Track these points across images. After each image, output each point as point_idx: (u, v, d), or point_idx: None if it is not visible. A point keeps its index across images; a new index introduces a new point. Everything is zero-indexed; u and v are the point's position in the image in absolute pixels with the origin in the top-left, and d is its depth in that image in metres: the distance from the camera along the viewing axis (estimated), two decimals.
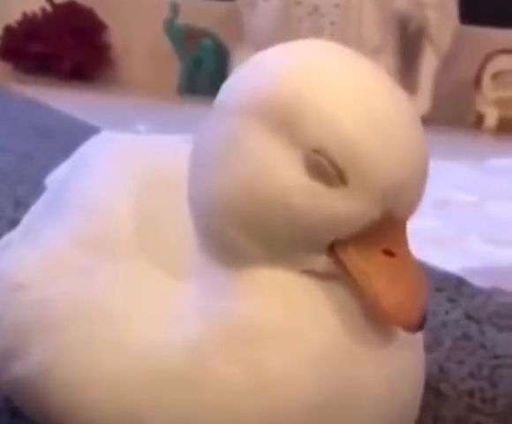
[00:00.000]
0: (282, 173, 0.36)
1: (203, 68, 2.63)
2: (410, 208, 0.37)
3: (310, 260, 0.37)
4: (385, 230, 0.36)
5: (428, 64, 2.52)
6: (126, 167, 0.45)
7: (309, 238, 0.36)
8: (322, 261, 0.37)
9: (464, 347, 0.65)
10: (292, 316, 0.37)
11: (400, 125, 0.36)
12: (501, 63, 2.56)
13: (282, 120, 0.36)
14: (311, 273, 0.37)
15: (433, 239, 1.10)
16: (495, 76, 2.57)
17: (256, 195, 0.36)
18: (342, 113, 0.35)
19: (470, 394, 0.57)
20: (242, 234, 0.37)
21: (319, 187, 0.35)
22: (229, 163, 0.36)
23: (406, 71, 2.56)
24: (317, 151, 0.35)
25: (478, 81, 2.60)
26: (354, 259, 0.36)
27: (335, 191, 0.35)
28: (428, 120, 2.52)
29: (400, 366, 0.38)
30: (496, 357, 0.64)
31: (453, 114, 2.56)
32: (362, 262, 0.36)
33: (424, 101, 2.55)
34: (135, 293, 0.40)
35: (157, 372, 0.38)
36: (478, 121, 2.59)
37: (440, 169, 1.70)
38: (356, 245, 0.36)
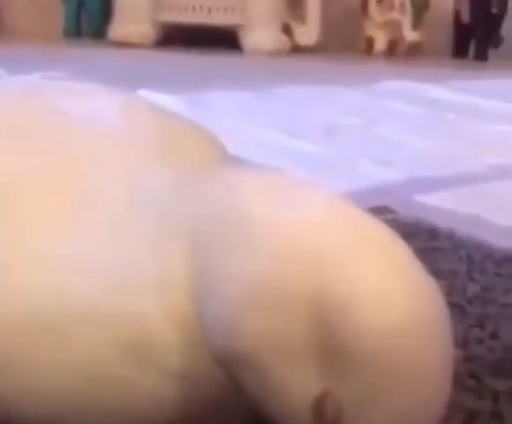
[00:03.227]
0: (290, 388, 0.33)
1: (87, 10, 2.57)
2: None
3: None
4: None
5: None
6: None
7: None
8: None
9: None
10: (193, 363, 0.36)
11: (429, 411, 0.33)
12: None
13: (328, 341, 0.32)
14: None
15: (323, 163, 1.11)
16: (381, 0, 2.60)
17: (260, 378, 0.34)
18: (381, 405, 0.32)
19: None
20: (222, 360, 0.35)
21: (311, 420, 0.33)
22: (262, 316, 0.33)
23: (293, 2, 2.56)
24: (334, 402, 0.32)
25: (364, 6, 2.63)
26: None
27: None
28: (319, 49, 2.54)
29: None
30: None
31: (343, 41, 2.58)
32: None
33: (312, 30, 2.56)
34: (13, 236, 0.39)
35: (30, 317, 0.38)
36: (369, 46, 2.62)
37: (328, 95, 1.73)
38: None
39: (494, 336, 0.54)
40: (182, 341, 0.36)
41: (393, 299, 0.32)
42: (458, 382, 0.48)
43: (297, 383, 0.33)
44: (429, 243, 0.73)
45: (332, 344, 0.32)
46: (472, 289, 0.63)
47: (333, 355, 0.32)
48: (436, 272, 0.65)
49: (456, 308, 0.58)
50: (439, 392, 0.33)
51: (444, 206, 0.93)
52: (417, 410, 0.32)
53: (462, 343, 0.53)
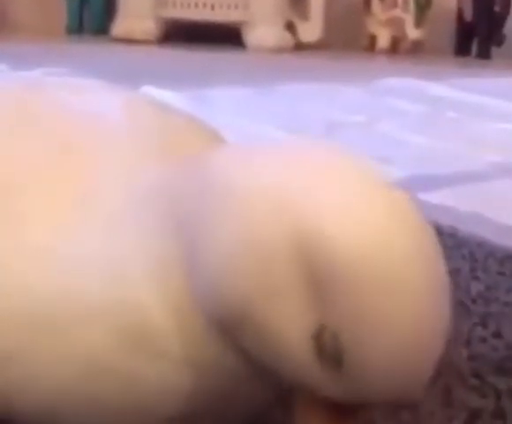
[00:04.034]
0: (287, 323, 0.33)
1: (90, 6, 2.57)
2: (386, 402, 0.34)
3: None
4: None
5: None
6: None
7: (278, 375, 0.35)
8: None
9: None
10: (197, 347, 0.36)
11: (423, 359, 0.33)
12: None
13: (315, 271, 0.33)
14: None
15: None
16: None
17: (254, 323, 0.34)
18: (375, 318, 0.32)
19: None
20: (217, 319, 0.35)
21: (313, 356, 0.33)
22: (247, 268, 0.34)
23: None
24: (331, 329, 0.32)
25: (367, 3, 2.63)
26: (303, 410, 0.35)
27: (325, 367, 0.33)
28: (321, 46, 2.54)
29: None
30: None
31: (346, 38, 2.58)
32: (308, 409, 0.35)
33: (315, 27, 2.56)
34: (14, 233, 0.39)
35: (30, 314, 0.38)
36: (371, 43, 2.62)
37: (331, 92, 1.73)
38: (312, 397, 0.35)
39: (497, 334, 0.54)
40: (184, 327, 0.36)
41: (359, 213, 0.32)
42: (461, 380, 0.49)
43: (292, 325, 0.33)
44: None
45: (315, 275, 0.32)
46: (475, 287, 0.63)
47: (318, 286, 0.32)
48: None
49: (460, 307, 0.59)
50: (434, 305, 0.33)
51: (446, 204, 0.94)
52: (412, 324, 0.32)
53: (465, 341, 0.53)
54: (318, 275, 0.32)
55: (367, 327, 0.32)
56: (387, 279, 0.32)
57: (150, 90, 1.40)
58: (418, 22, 2.60)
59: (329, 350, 0.32)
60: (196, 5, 2.50)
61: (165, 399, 0.38)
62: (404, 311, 0.32)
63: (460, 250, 0.71)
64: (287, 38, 2.54)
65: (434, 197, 0.97)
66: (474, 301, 0.60)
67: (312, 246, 0.32)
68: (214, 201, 0.35)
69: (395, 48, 2.60)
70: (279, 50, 2.44)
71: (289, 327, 0.33)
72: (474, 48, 2.66)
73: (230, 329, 0.35)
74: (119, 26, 2.50)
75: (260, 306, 0.33)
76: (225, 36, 2.44)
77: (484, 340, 0.54)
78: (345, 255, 0.32)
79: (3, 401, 0.39)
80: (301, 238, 0.33)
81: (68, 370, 0.37)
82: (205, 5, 2.50)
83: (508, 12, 2.62)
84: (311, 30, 2.55)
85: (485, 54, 2.60)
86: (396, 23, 2.59)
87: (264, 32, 2.45)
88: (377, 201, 0.33)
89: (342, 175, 0.34)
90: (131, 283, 0.37)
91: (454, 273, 0.65)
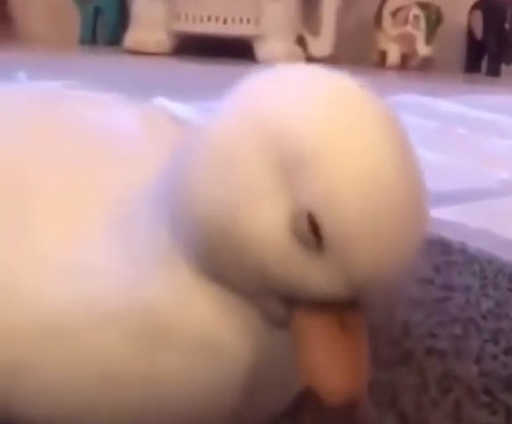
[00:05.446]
0: (263, 219, 0.34)
1: (104, 17, 2.58)
2: (380, 300, 0.35)
3: (263, 298, 0.36)
4: (346, 306, 0.34)
5: (329, 5, 2.53)
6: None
7: (269, 285, 0.35)
8: (274, 305, 0.36)
9: None
10: (213, 331, 0.36)
11: (404, 225, 0.33)
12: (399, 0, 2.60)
13: (282, 161, 0.34)
14: (260, 310, 0.36)
15: None
16: (395, 13, 2.61)
17: (232, 225, 0.34)
18: (346, 188, 0.33)
19: None
20: (202, 244, 0.36)
21: (295, 246, 0.34)
22: (220, 175, 0.35)
23: (308, 12, 2.57)
24: (307, 211, 0.33)
25: (378, 19, 2.64)
26: (304, 321, 0.35)
27: (310, 255, 0.33)
28: (332, 61, 2.54)
29: None
30: None
31: (357, 53, 2.59)
32: (310, 327, 0.34)
33: (326, 42, 2.56)
34: (32, 245, 0.39)
35: (43, 322, 0.38)
36: (382, 59, 2.63)
37: None
38: (312, 309, 0.34)
39: (508, 351, 0.55)
40: (198, 313, 0.36)
41: (320, 104, 0.34)
42: (472, 397, 0.49)
43: (271, 219, 0.34)
44: (443, 257, 0.74)
45: (285, 165, 0.33)
46: (486, 304, 0.63)
47: (289, 174, 0.33)
48: (450, 287, 0.66)
49: (471, 323, 0.59)
50: (401, 167, 0.33)
51: (455, 220, 0.94)
52: (382, 186, 0.33)
53: (476, 358, 0.54)
54: (287, 163, 0.33)
55: (338, 198, 0.32)
56: (349, 152, 0.33)
57: (162, 102, 1.40)
58: (429, 39, 2.61)
59: (309, 232, 0.33)
60: (208, 19, 2.52)
61: (187, 392, 0.37)
62: (372, 173, 0.33)
63: (470, 267, 0.72)
64: (298, 52, 2.55)
65: (444, 213, 0.97)
66: (485, 318, 0.60)
67: (278, 136, 0.34)
68: (196, 150, 0.36)
69: (406, 64, 2.61)
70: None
71: (269, 222, 0.34)
72: (484, 65, 2.66)
73: (221, 240, 0.35)
74: (132, 38, 2.51)
75: (240, 209, 0.34)
76: (237, 50, 2.45)
77: (495, 357, 0.54)
78: (309, 137, 0.33)
79: (11, 409, 0.39)
80: (268, 132, 0.34)
81: (82, 377, 0.37)
82: (217, 19, 2.51)
83: None
84: (321, 45, 2.56)
85: (494, 71, 2.61)
86: (407, 39, 2.59)
87: (275, 46, 2.46)
88: (338, 95, 0.35)
89: (310, 84, 0.36)
90: (142, 284, 0.37)
91: (464, 290, 0.66)
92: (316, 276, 0.33)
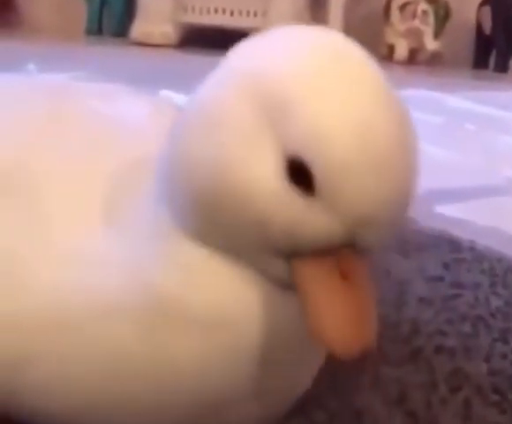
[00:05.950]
0: (258, 169, 0.34)
1: (110, 9, 2.58)
2: (377, 242, 0.34)
3: (266, 260, 0.35)
4: (346, 255, 0.34)
5: None
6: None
7: (270, 241, 0.35)
8: (278, 266, 0.35)
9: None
10: (221, 307, 0.36)
11: (392, 159, 0.33)
12: None
13: (269, 106, 0.34)
14: (266, 275, 0.36)
15: None
16: (403, 7, 2.60)
17: (227, 183, 0.34)
18: (331, 125, 0.33)
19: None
20: (202, 212, 0.35)
21: (290, 192, 0.34)
22: (210, 135, 0.35)
23: (316, 5, 2.56)
24: (296, 155, 0.33)
25: (386, 13, 2.63)
26: (306, 275, 0.34)
27: (306, 201, 0.33)
28: None
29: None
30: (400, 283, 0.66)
31: (364, 46, 2.58)
32: (313, 281, 0.34)
33: None
34: (37, 234, 0.39)
35: (54, 314, 0.38)
36: (390, 53, 2.62)
37: None
38: (313, 262, 0.34)
39: None
40: (207, 290, 0.36)
41: (303, 53, 0.35)
42: (481, 395, 0.49)
43: (263, 164, 0.34)
44: (452, 255, 0.73)
45: (272, 111, 0.34)
46: (495, 302, 0.63)
47: (277, 120, 0.34)
48: (460, 284, 0.65)
49: (480, 322, 0.58)
50: (385, 102, 0.34)
51: (464, 217, 0.93)
52: (367, 119, 0.33)
53: (485, 357, 0.53)
54: (274, 108, 0.34)
55: (324, 134, 0.32)
56: (334, 90, 0.33)
57: (169, 94, 1.40)
58: (437, 34, 2.60)
59: (300, 175, 0.33)
60: (215, 11, 2.51)
61: (208, 375, 0.36)
62: (357, 109, 0.33)
63: (479, 264, 0.71)
64: None
65: (452, 210, 0.97)
66: (494, 316, 0.60)
67: (263, 82, 0.34)
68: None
69: (413, 58, 2.60)
70: None
71: (263, 171, 0.34)
72: (492, 61, 2.65)
73: (217, 222, 0.35)
74: (138, 30, 2.50)
75: (234, 163, 0.34)
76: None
77: (504, 356, 0.54)
78: (293, 77, 0.34)
79: (13, 402, 0.39)
80: (254, 80, 0.35)
81: (91, 369, 0.37)
82: (224, 11, 2.51)
83: None
84: None
85: (502, 67, 2.60)
86: (415, 34, 2.58)
87: None
88: (324, 42, 0.35)
89: (296, 36, 0.36)
90: (147, 269, 0.37)
91: (473, 287, 0.65)
92: (313, 220, 0.34)
